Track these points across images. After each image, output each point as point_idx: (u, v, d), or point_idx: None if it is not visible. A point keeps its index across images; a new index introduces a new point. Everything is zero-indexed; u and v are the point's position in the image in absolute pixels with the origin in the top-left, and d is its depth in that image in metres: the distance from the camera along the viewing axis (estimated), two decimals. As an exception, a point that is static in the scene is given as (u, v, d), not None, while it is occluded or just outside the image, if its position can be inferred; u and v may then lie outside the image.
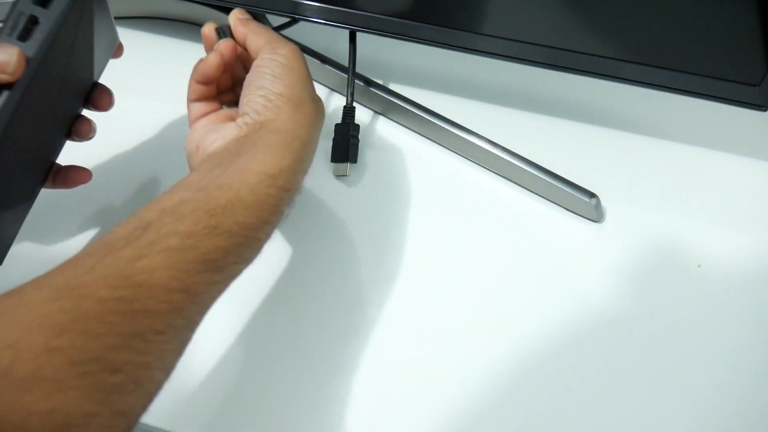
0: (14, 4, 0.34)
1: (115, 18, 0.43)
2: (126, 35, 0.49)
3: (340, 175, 0.50)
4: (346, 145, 0.50)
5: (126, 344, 0.26)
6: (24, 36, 0.34)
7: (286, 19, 0.51)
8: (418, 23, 0.47)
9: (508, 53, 0.47)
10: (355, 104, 0.51)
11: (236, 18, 0.41)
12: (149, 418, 0.39)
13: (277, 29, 0.50)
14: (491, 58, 0.47)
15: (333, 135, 0.50)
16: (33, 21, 0.34)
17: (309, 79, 0.39)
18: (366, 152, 0.52)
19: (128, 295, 0.27)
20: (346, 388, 0.41)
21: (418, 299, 0.44)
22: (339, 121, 0.51)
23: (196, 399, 0.40)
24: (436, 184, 0.50)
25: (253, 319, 0.44)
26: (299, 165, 0.36)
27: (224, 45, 0.40)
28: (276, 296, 0.45)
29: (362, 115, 0.54)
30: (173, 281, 0.28)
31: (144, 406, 0.28)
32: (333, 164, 0.50)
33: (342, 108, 0.51)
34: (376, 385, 0.41)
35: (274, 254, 0.46)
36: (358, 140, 0.51)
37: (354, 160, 0.50)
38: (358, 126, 0.51)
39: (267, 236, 0.34)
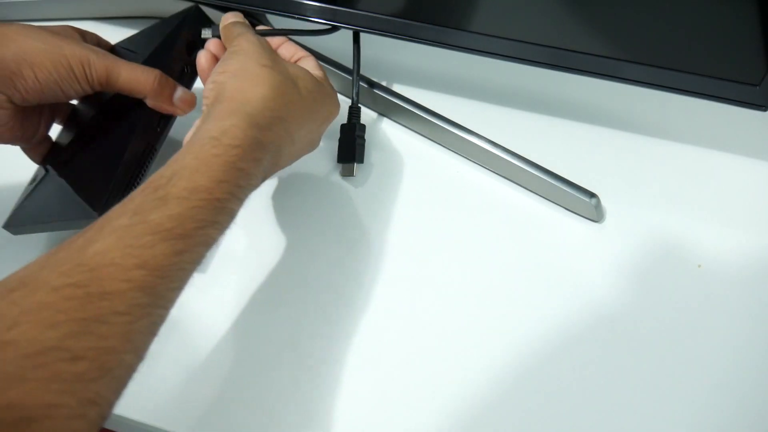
0: (173, 54, 0.45)
1: (115, 18, 0.44)
2: (126, 35, 0.49)
3: (346, 176, 0.50)
4: (353, 145, 0.49)
5: (86, 330, 0.26)
6: (179, 80, 0.44)
7: (325, 27, 0.50)
8: (418, 23, 0.47)
9: (508, 53, 0.47)
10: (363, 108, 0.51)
11: (221, 26, 0.44)
12: (149, 417, 0.39)
13: (315, 34, 0.50)
14: (491, 58, 0.47)
15: (339, 135, 0.50)
16: (185, 68, 0.46)
17: (257, 53, 0.39)
18: (366, 152, 0.52)
19: (82, 280, 0.27)
20: (346, 388, 0.41)
21: (419, 299, 0.44)
22: (343, 122, 0.51)
23: (196, 398, 0.40)
24: (435, 184, 0.50)
25: (255, 318, 0.44)
26: (248, 121, 0.35)
27: (210, 42, 0.44)
28: (278, 295, 0.45)
29: (362, 115, 0.54)
30: (128, 258, 0.28)
31: (117, 391, 0.27)
32: (339, 164, 0.50)
33: (347, 109, 0.51)
34: (377, 386, 0.41)
35: (276, 253, 0.46)
36: (364, 140, 0.50)
37: (361, 161, 0.50)
38: (364, 126, 0.51)
39: (232, 195, 0.33)
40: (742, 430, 0.39)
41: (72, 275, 0.27)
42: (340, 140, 0.50)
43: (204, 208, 0.31)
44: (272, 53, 0.40)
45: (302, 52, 0.45)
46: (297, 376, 0.41)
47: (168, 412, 0.40)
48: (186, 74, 0.46)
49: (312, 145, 0.45)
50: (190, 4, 0.49)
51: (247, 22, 0.44)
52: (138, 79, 0.41)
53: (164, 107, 0.43)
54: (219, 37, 0.44)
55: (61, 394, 0.24)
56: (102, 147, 0.44)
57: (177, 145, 0.36)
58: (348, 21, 0.49)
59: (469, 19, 0.47)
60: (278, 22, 0.57)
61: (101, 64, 0.40)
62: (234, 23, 0.43)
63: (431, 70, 0.57)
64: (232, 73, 0.38)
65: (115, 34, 0.46)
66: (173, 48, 0.46)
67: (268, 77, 0.38)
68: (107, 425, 0.42)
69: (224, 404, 0.40)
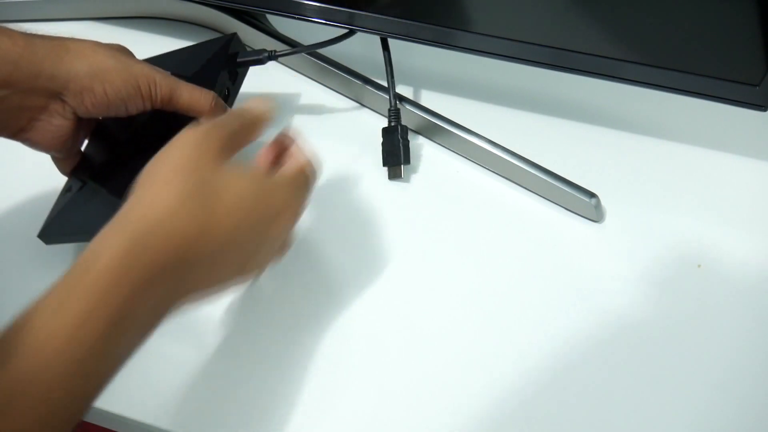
0: (219, 79, 0.46)
1: (116, 18, 0.44)
2: (126, 35, 0.49)
3: (394, 178, 0.50)
4: (398, 147, 0.49)
5: None
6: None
7: (343, 30, 0.50)
8: (419, 23, 0.47)
9: (509, 53, 0.47)
10: (363, 108, 0.51)
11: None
12: (149, 417, 0.39)
13: (331, 43, 0.51)
14: (492, 58, 0.47)
15: (381, 140, 0.50)
16: (227, 92, 0.47)
17: (189, 152, 0.34)
18: (367, 155, 0.52)
19: None
20: (347, 390, 0.41)
21: (417, 300, 0.44)
22: (384, 125, 0.51)
23: (196, 398, 0.40)
24: (434, 184, 0.50)
25: (259, 323, 0.44)
26: (135, 241, 0.31)
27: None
28: (279, 295, 0.45)
29: (365, 117, 0.54)
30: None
31: None
32: (385, 168, 0.50)
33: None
34: (378, 387, 0.41)
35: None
36: (408, 141, 0.50)
37: (407, 162, 0.50)
38: (405, 127, 0.50)
39: (115, 325, 0.30)
40: (742, 430, 0.39)
41: None
42: (383, 144, 0.50)
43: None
44: (207, 154, 0.34)
45: (299, 155, 0.39)
46: (299, 377, 0.41)
47: (168, 411, 0.40)
48: (229, 98, 0.48)
49: (274, 250, 0.38)
50: (202, 14, 0.49)
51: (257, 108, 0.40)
52: (198, 99, 0.43)
53: None
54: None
55: None
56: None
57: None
58: (348, 21, 0.49)
59: (470, 20, 0.47)
60: (279, 22, 0.57)
61: (166, 84, 0.42)
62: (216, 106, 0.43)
63: (431, 70, 0.57)
64: (148, 173, 0.33)
65: (115, 34, 0.46)
66: (218, 71, 0.46)
67: (179, 184, 0.32)
68: (106, 425, 0.42)
69: (224, 404, 0.40)
